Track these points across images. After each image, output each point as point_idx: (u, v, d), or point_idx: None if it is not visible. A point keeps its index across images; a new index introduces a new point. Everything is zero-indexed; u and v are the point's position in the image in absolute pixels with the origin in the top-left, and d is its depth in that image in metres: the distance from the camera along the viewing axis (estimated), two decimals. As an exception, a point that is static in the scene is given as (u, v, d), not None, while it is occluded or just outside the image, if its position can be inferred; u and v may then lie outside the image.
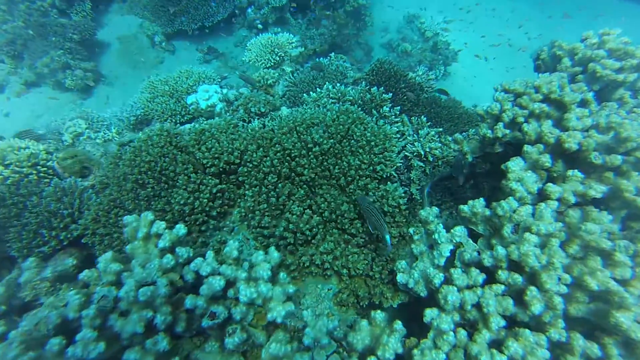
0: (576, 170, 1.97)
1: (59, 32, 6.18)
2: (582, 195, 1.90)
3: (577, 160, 2.06)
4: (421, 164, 3.24)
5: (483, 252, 1.79)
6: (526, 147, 2.05)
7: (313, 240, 2.12)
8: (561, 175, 2.12)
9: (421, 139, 3.29)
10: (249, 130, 2.57)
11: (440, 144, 3.35)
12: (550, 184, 1.90)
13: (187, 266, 1.61)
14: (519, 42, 10.01)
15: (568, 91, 2.21)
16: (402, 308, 2.26)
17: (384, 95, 3.49)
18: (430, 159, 3.19)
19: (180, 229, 1.68)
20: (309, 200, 2.23)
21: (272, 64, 4.76)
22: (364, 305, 2.09)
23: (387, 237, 1.92)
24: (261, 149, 2.40)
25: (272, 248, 1.82)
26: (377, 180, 2.39)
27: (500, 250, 1.73)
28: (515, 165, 1.99)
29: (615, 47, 2.92)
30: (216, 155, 2.32)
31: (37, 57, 6.04)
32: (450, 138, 3.30)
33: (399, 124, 3.40)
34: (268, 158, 2.31)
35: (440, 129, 3.71)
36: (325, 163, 2.33)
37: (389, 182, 2.39)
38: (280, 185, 2.26)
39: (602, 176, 2.01)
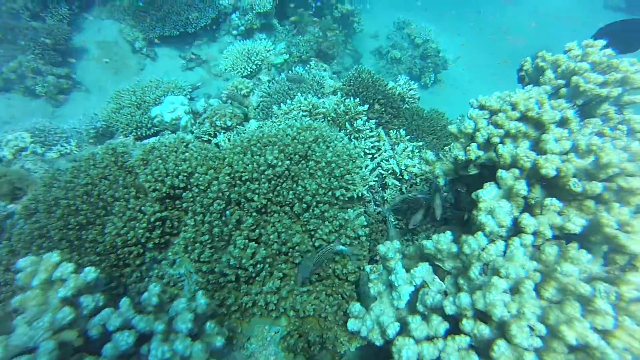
0: (554, 200, 1.74)
1: (30, 35, 5.94)
2: (560, 228, 1.67)
3: (556, 186, 1.83)
4: (396, 182, 3.01)
5: (446, 299, 1.56)
6: (500, 173, 1.82)
7: (258, 278, 1.89)
8: (539, 203, 1.89)
9: (396, 155, 3.06)
10: (202, 150, 2.34)
11: (418, 161, 3.13)
12: (524, 216, 1.67)
13: (93, 319, 1.37)
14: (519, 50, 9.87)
15: (547, 108, 1.99)
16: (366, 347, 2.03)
17: (358, 107, 3.27)
18: (407, 177, 2.97)
19: (89, 272, 1.43)
20: (258, 230, 2.00)
21: (248, 72, 4.54)
22: (316, 351, 1.85)
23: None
24: (211, 170, 2.16)
25: (200, 293, 1.58)
26: (337, 206, 2.15)
27: (464, 299, 1.49)
28: (487, 194, 1.77)
29: (599, 60, 2.72)
30: (160, 178, 2.09)
31: (4, 62, 5.80)
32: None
33: (374, 138, 3.18)
34: (216, 182, 2.07)
35: (421, 143, 3.49)
36: (279, 187, 2.10)
37: (350, 209, 2.16)
38: (228, 212, 2.02)
39: (582, 205, 1.78)
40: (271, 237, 1.95)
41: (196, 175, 2.12)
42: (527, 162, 1.78)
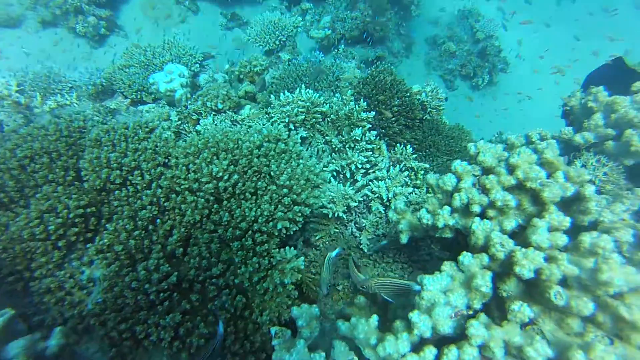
0: (524, 307, 1.36)
1: (77, -28, 5.88)
2: (518, 351, 1.30)
3: (535, 286, 1.44)
4: (381, 209, 2.66)
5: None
6: (462, 257, 1.44)
7: (160, 307, 1.67)
8: (512, 297, 1.51)
9: (388, 179, 2.69)
10: (158, 141, 2.11)
11: (411, 189, 2.74)
12: (473, 324, 1.31)
13: None
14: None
15: (554, 182, 1.55)
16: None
17: (362, 113, 2.88)
18: (393, 207, 2.60)
19: None
20: (181, 249, 1.77)
21: (269, 47, 4.21)
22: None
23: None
24: (159, 168, 1.94)
25: (56, 330, 1.39)
26: (277, 242, 1.87)
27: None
28: (434, 282, 1.40)
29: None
30: (97, 169, 1.89)
31: (52, -4, 5.83)
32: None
33: (368, 152, 2.80)
34: (155, 184, 1.85)
35: (427, 165, 3.07)
36: (216, 205, 1.84)
37: (288, 247, 1.87)
38: (158, 221, 1.81)
39: (562, 322, 1.39)
40: (192, 260, 1.73)
41: (136, 172, 1.90)
42: (500, 252, 1.39)
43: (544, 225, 1.42)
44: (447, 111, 7.47)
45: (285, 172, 1.96)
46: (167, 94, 3.20)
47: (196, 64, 3.78)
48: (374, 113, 2.95)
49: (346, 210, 2.73)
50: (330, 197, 2.69)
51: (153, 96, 3.45)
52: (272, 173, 1.93)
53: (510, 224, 1.51)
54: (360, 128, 2.87)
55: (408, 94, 3.30)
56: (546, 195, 1.49)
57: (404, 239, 1.78)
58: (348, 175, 2.80)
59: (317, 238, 2.76)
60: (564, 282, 1.40)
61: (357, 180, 2.83)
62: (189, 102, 3.25)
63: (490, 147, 1.76)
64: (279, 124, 2.86)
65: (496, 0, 8.97)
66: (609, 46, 8.58)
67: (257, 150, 2.03)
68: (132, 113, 3.27)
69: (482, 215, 1.60)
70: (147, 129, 2.20)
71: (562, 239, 1.39)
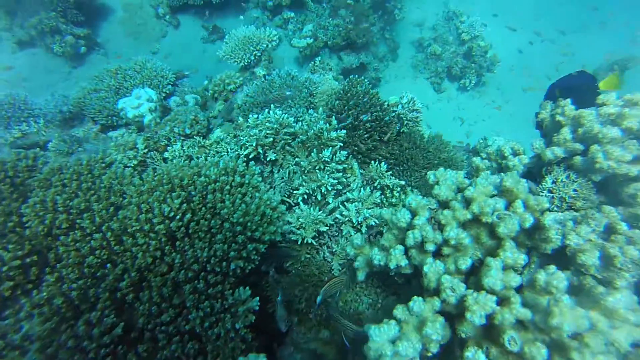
0: (479, 353, 1.28)
1: (54, -9, 5.83)
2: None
3: (492, 327, 1.36)
4: (352, 232, 2.58)
5: None
6: (412, 303, 1.37)
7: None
8: (470, 338, 1.43)
9: (358, 202, 2.61)
10: (114, 178, 2.04)
11: (381, 211, 2.66)
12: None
13: None
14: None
15: (511, 215, 1.47)
16: None
17: (332, 133, 2.81)
18: (364, 231, 2.53)
19: None
20: (132, 294, 1.70)
21: (245, 63, 4.14)
22: None
23: None
24: (110, 208, 1.87)
25: None
26: (232, 282, 1.79)
27: None
28: (381, 333, 1.33)
29: (636, 128, 2.08)
30: (40, 213, 1.82)
31: (28, 17, 5.77)
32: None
33: (339, 173, 2.72)
34: (105, 227, 1.78)
35: (402, 182, 3.00)
36: (168, 247, 1.77)
37: (242, 288, 1.79)
38: (109, 266, 1.74)
39: (519, 368, 1.31)
40: (141, 307, 1.65)
41: (87, 214, 1.83)
42: (451, 297, 1.32)
43: (498, 264, 1.34)
44: (435, 114, 7.40)
45: (239, 209, 1.89)
46: (135, 120, 3.13)
47: (168, 85, 3.71)
48: (344, 131, 2.88)
49: (316, 235, 2.66)
50: (300, 222, 2.62)
51: (125, 120, 3.38)
52: (226, 210, 1.86)
53: (465, 262, 1.43)
54: (330, 148, 2.80)
55: (382, 108, 3.22)
56: (501, 231, 1.41)
57: (360, 276, 1.71)
58: (319, 197, 2.73)
59: (288, 264, 2.69)
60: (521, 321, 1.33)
61: (328, 203, 2.76)
62: (159, 126, 3.18)
63: (449, 176, 1.69)
64: (247, 147, 2.80)
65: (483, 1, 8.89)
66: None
67: (212, 185, 1.96)
68: (101, 140, 3.21)
69: (439, 252, 1.53)
70: (103, 165, 2.13)
71: (515, 280, 1.31)
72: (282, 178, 2.91)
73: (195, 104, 3.51)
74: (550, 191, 2.28)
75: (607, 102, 2.30)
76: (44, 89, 5.70)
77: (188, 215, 1.82)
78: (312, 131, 2.80)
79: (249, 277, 2.68)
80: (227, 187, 2.00)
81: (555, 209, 2.26)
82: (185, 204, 1.85)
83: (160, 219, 1.77)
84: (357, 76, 3.36)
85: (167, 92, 3.70)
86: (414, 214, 1.57)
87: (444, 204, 1.56)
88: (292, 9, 6.82)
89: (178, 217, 1.79)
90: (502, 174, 1.72)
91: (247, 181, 1.99)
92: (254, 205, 1.94)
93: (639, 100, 2.22)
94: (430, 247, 1.47)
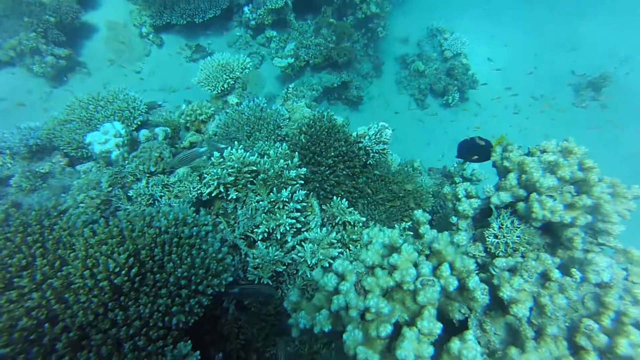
0: None
1: (35, 12, 5.88)
2: None
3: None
4: (308, 273, 2.63)
5: None
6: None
7: None
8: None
9: (314, 243, 2.66)
10: (65, 228, 2.08)
11: (339, 251, 2.71)
12: None
13: None
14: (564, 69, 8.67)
15: (433, 283, 1.52)
16: None
17: (292, 172, 2.86)
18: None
19: None
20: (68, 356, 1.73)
21: (219, 90, 4.19)
22: None
23: None
24: (57, 263, 1.91)
25: None
26: (175, 335, 1.83)
27: None
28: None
29: (568, 177, 2.15)
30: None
31: (7, 37, 5.80)
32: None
33: (297, 213, 2.77)
34: (46, 285, 1.82)
35: (364, 219, 3.04)
36: (110, 303, 1.81)
37: (182, 343, 1.83)
38: (47, 325, 1.77)
39: None
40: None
41: (26, 272, 1.87)
42: (363, 369, 1.36)
43: (413, 335, 1.39)
44: (419, 131, 7.42)
45: (185, 262, 1.93)
46: (102, 155, 3.17)
47: (140, 116, 3.75)
48: (304, 169, 2.93)
49: (274, 276, 2.71)
50: (256, 262, 2.67)
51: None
52: (172, 264, 1.90)
53: (385, 330, 1.47)
54: (290, 187, 2.85)
55: (347, 142, 3.27)
56: (420, 300, 1.46)
57: (294, 333, 1.75)
58: (278, 236, 2.78)
59: (246, 303, 2.73)
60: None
61: (287, 241, 2.81)
62: (126, 162, 3.22)
63: (382, 236, 1.73)
64: (209, 186, 2.85)
65: (467, 19, 8.99)
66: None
67: (161, 237, 2.00)
68: (67, 175, 3.25)
69: (363, 316, 1.57)
70: (55, 214, 2.17)
71: (428, 351, 1.36)
72: (245, 215, 2.95)
73: (165, 137, 3.55)
74: (495, 236, 2.33)
75: (547, 149, 2.37)
76: (23, 109, 5.74)
77: (134, 270, 1.86)
78: (273, 170, 2.85)
79: (215, 310, 2.74)
80: (176, 239, 2.04)
81: (500, 253, 2.32)
82: (132, 258, 1.89)
83: (105, 274, 1.81)
84: (325, 110, 3.41)
85: (139, 122, 3.74)
86: (341, 278, 1.61)
87: (371, 269, 1.61)
88: (275, 28, 6.88)
89: (124, 272, 1.83)
90: (436, 235, 1.76)
91: (195, 233, 2.03)
92: (199, 259, 1.98)
93: (574, 149, 2.28)
94: (354, 313, 1.51)
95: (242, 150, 2.91)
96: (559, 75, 8.44)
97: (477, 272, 2.36)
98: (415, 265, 1.61)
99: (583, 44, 9.01)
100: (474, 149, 2.54)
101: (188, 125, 3.91)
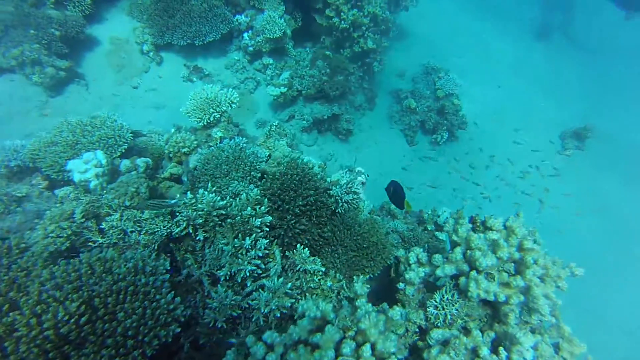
0: None
1: (42, 25, 6.07)
2: None
3: None
4: (261, 321, 2.75)
5: None
6: None
7: None
8: None
9: (270, 292, 2.78)
10: (23, 269, 2.21)
11: (293, 300, 2.83)
12: None
13: None
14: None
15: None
16: None
17: (257, 221, 2.99)
18: (271, 321, 2.69)
19: None
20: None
21: (205, 123, 4.34)
22: None
23: None
24: (5, 306, 2.02)
25: None
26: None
27: None
28: None
29: (505, 258, 2.29)
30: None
31: (12, 47, 5.98)
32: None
33: (258, 261, 2.90)
34: None
35: (323, 269, 3.17)
36: (52, 353, 1.93)
37: None
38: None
39: None
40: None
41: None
42: None
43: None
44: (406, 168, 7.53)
45: (136, 312, 2.05)
46: (81, 184, 3.30)
47: (125, 144, 3.89)
48: (270, 219, 3.07)
49: (230, 319, 2.82)
50: (214, 305, 2.78)
51: (74, 179, 3.55)
52: (122, 314, 2.02)
53: (301, 409, 1.59)
54: (254, 234, 2.99)
55: (316, 192, 3.41)
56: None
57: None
58: (239, 280, 2.90)
59: (200, 342, 2.84)
60: None
61: (246, 286, 2.93)
62: (104, 191, 3.35)
63: (315, 310, 1.85)
64: (179, 225, 2.98)
65: (461, 58, 9.24)
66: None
67: (118, 284, 2.12)
68: (44, 199, 3.37)
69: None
70: (17, 251, 2.29)
71: None
72: (212, 254, 3.08)
73: (146, 168, 3.69)
74: (435, 307, 2.46)
75: (493, 227, 2.51)
76: (17, 116, 5.89)
77: (84, 319, 1.97)
78: (240, 217, 2.99)
79: (172, 345, 2.84)
80: (132, 287, 2.16)
81: (440, 324, 2.45)
82: (84, 306, 2.01)
83: (52, 322, 1.93)
84: (299, 158, 3.55)
85: (124, 150, 3.88)
86: (270, 348, 1.74)
87: (296, 344, 1.74)
88: (273, 55, 7.08)
89: (73, 320, 1.95)
90: (368, 311, 1.88)
91: (151, 282, 2.15)
92: (150, 310, 2.10)
93: (516, 228, 2.42)
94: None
95: (213, 195, 3.05)
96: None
97: (417, 337, 2.48)
98: (340, 341, 1.74)
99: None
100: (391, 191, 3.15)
101: (171, 155, 4.06)
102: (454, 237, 2.52)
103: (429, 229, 4.70)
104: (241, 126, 6.82)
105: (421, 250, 2.73)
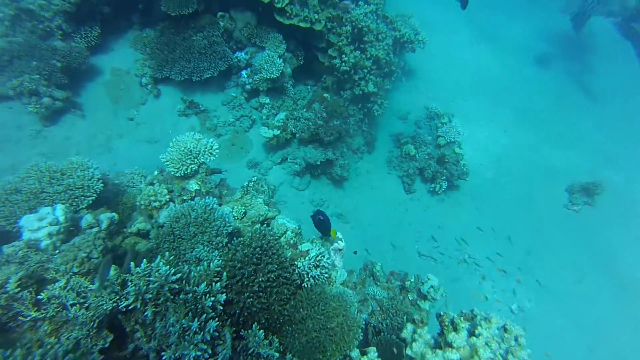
0: None
1: (45, 56, 6.12)
2: None
3: None
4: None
5: None
6: None
7: None
8: None
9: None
10: None
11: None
12: None
13: None
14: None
15: None
16: None
17: (209, 300, 2.78)
18: None
19: None
20: None
21: (182, 174, 4.19)
22: None
23: None
24: None
25: None
26: None
27: None
28: None
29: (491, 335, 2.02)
30: None
31: (14, 77, 6.00)
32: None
33: (204, 346, 2.66)
34: None
35: (277, 355, 2.92)
36: None
37: None
38: None
39: None
40: None
41: None
42: None
43: None
44: (401, 214, 7.26)
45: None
46: (29, 244, 3.15)
47: (92, 196, 3.76)
48: (223, 297, 2.85)
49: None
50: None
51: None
52: None
53: None
54: (204, 315, 2.77)
55: (281, 266, 3.19)
56: None
57: None
58: (185, 365, 2.67)
59: None
60: None
61: (189, 373, 2.69)
62: (56, 251, 3.19)
63: None
64: (127, 299, 2.78)
65: (464, 101, 9.04)
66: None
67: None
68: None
69: None
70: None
71: None
72: (161, 331, 2.86)
73: (110, 224, 3.53)
74: None
75: (454, 343, 2.25)
76: (7, 143, 5.86)
77: None
78: (192, 295, 2.78)
79: None
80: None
81: None
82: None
83: None
84: (262, 229, 3.33)
85: (90, 202, 3.75)
86: None
87: None
88: (270, 94, 6.99)
89: None
90: None
91: None
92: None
93: (479, 350, 2.16)
94: None
95: (167, 268, 2.85)
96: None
97: None
98: None
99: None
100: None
101: (142, 208, 3.91)
102: (408, 352, 2.27)
103: (411, 298, 4.40)
104: (233, 165, 6.72)
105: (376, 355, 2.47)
